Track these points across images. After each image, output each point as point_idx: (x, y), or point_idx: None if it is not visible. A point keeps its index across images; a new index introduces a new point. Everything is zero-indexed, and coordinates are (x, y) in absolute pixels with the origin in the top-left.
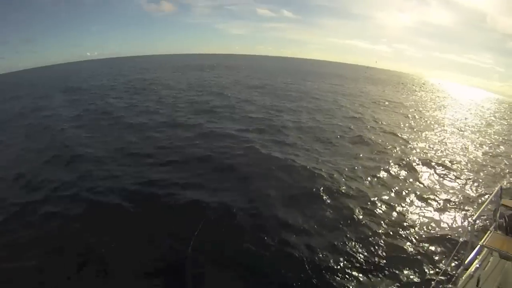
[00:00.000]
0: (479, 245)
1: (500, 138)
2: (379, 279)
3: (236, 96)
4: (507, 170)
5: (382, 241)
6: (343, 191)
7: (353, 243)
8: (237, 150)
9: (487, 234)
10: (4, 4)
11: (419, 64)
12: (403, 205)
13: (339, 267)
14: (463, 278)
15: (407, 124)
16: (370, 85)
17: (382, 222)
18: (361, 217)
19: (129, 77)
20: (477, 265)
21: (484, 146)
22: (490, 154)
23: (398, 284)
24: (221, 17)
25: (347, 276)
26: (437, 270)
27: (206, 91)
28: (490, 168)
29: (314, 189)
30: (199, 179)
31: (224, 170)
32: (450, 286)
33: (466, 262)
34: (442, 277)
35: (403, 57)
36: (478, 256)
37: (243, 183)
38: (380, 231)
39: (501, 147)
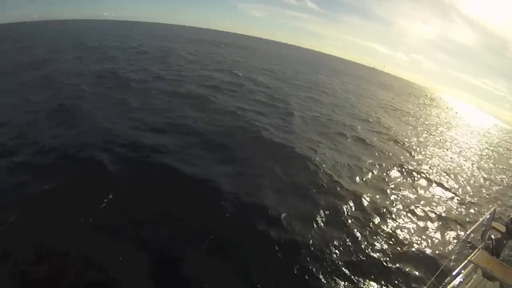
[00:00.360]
0: (466, 261)
1: (502, 166)
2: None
3: (245, 76)
4: (503, 198)
5: (368, 249)
6: (335, 189)
7: (339, 245)
8: (235, 128)
9: (475, 252)
10: None
11: (433, 78)
12: (395, 215)
13: (317, 268)
14: None
15: (412, 135)
16: (382, 90)
17: (370, 230)
18: (349, 220)
19: (142, 42)
20: (461, 279)
21: (484, 172)
22: (489, 180)
23: None
24: None
25: (326, 279)
26: (424, 281)
27: (216, 66)
28: (485, 194)
29: (306, 181)
30: (191, 151)
31: (218, 146)
32: None
33: (453, 274)
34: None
35: (418, 68)
36: (463, 271)
37: (235, 163)
38: (367, 238)
39: (502, 175)
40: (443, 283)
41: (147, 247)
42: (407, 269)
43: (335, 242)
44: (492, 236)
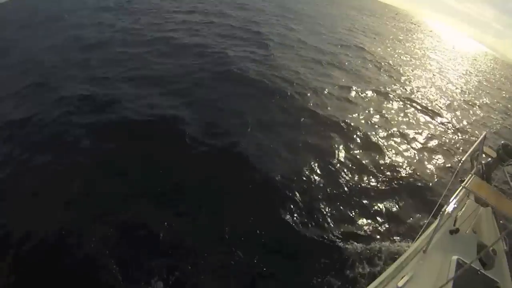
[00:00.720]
0: (461, 187)
1: (488, 91)
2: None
3: (210, 11)
4: (493, 124)
5: (356, 184)
6: (316, 122)
7: (321, 181)
8: (202, 67)
9: (468, 178)
10: None
11: (416, 2)
12: (384, 146)
13: (298, 206)
14: (444, 216)
15: (397, 61)
16: (362, 15)
17: (357, 163)
18: (333, 154)
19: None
20: (455, 205)
21: (472, 96)
22: (479, 106)
23: (383, 225)
24: None
25: (307, 217)
26: (422, 213)
27: (177, 7)
28: (475, 119)
29: (282, 117)
30: (152, 99)
31: (184, 90)
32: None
33: (449, 201)
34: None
35: None
36: (457, 197)
37: (202, 105)
38: (355, 172)
39: (491, 99)
40: (441, 211)
41: (114, 208)
42: (402, 203)
43: (316, 178)
44: (483, 161)
